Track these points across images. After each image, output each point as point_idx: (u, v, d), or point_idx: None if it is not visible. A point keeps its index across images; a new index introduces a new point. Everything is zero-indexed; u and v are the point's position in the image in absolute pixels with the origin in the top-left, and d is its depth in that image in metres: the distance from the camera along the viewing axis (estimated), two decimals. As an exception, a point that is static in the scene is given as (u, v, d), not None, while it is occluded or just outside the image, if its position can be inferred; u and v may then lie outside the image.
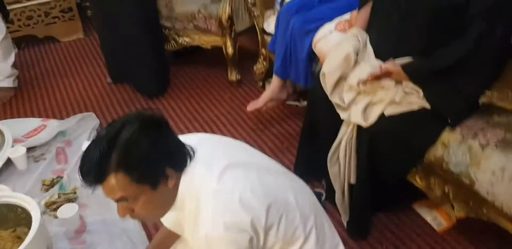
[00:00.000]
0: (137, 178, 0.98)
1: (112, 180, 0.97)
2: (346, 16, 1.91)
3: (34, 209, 1.48)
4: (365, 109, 1.50)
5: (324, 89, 1.61)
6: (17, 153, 2.03)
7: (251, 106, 2.24)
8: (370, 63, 1.55)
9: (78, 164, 1.01)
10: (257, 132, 2.29)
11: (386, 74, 1.48)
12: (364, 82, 1.50)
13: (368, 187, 1.58)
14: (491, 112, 1.49)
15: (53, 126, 2.26)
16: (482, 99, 1.51)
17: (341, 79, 1.59)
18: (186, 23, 2.60)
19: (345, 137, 1.57)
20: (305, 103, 2.32)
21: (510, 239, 1.49)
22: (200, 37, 2.64)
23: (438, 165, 1.50)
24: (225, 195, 1.02)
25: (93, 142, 1.01)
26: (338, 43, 1.68)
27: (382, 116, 1.47)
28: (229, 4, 2.43)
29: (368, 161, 1.54)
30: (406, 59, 1.49)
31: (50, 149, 2.16)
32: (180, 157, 1.04)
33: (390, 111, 1.47)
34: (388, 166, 1.57)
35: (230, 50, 2.58)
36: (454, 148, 1.44)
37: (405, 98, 1.47)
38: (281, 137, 2.23)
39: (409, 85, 1.48)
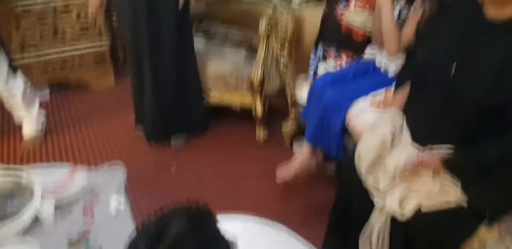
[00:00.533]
0: None
1: None
2: (381, 91, 1.94)
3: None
4: (402, 202, 1.46)
5: (358, 171, 1.60)
6: (46, 211, 1.91)
7: (281, 177, 2.24)
8: (407, 149, 1.54)
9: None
10: (283, 198, 2.27)
11: (422, 165, 1.47)
12: (403, 176, 1.49)
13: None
14: None
15: (81, 177, 2.24)
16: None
17: (375, 163, 1.57)
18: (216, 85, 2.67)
19: (377, 225, 1.54)
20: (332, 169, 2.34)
21: None
22: (231, 99, 2.69)
23: None
24: None
25: (138, 236, 0.99)
26: (374, 123, 1.69)
27: (418, 210, 1.44)
28: (261, 67, 2.48)
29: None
30: (444, 148, 1.47)
31: (77, 202, 2.04)
32: None
33: (427, 207, 1.43)
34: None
35: (259, 110, 2.62)
36: (492, 247, 1.40)
37: (442, 188, 1.45)
38: (309, 206, 2.20)
39: (447, 178, 1.46)
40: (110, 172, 2.28)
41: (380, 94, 1.93)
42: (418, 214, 1.43)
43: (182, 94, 2.61)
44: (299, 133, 2.58)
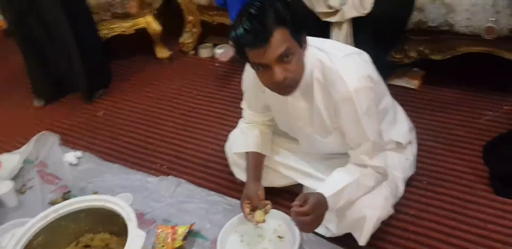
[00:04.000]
0: (293, 32, 1.15)
1: (278, 34, 1.12)
2: None
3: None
4: (359, 2, 1.87)
5: (308, 4, 1.96)
6: (4, 188, 1.82)
7: (223, 56, 2.53)
8: None
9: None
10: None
11: None
12: None
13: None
14: None
15: (11, 158, 2.04)
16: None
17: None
18: (103, 14, 2.59)
19: (341, 37, 1.94)
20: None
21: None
22: (120, 25, 2.66)
23: (418, 28, 2.02)
24: (353, 56, 1.29)
25: (247, 5, 1.14)
26: None
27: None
28: None
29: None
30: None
31: (29, 177, 1.97)
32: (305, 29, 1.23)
33: None
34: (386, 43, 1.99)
35: (156, 27, 2.65)
36: (429, 7, 1.96)
37: None
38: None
39: None
40: (38, 142, 2.15)
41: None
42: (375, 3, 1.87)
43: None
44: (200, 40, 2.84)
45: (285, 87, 1.23)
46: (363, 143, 1.28)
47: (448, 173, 1.72)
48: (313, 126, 1.39)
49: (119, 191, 1.80)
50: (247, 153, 1.54)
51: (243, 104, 1.59)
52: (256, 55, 1.15)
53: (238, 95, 2.31)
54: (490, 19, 1.86)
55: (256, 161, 1.53)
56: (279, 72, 1.16)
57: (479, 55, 2.04)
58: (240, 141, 1.58)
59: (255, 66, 1.20)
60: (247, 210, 1.45)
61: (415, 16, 2.01)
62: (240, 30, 1.12)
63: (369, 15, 1.90)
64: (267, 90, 1.28)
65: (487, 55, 2.02)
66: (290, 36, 1.15)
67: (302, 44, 1.20)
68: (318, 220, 1.24)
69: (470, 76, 2.23)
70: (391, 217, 1.44)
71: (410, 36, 2.10)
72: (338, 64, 1.24)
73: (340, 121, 1.29)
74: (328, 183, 1.29)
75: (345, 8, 1.91)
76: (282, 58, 1.15)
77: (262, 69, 1.18)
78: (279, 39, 1.12)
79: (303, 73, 1.25)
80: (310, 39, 1.28)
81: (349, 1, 1.91)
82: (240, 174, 1.64)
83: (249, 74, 1.43)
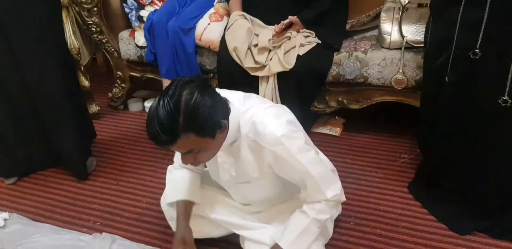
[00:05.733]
0: (202, 134, 1.19)
1: (183, 139, 1.17)
2: (211, 10, 2.44)
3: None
4: (284, 58, 2.08)
5: (238, 61, 2.14)
6: None
7: None
8: (267, 29, 2.18)
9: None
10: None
11: (290, 25, 2.14)
12: (275, 35, 2.11)
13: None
14: (354, 33, 2.34)
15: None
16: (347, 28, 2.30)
17: (247, 50, 2.13)
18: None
19: (268, 89, 2.13)
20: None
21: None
22: None
23: (336, 81, 2.23)
24: (275, 107, 1.38)
25: (158, 103, 1.15)
26: (232, 25, 2.20)
27: (298, 57, 2.09)
28: (73, 37, 2.51)
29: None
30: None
31: None
32: (227, 107, 1.28)
33: (302, 51, 2.11)
34: (308, 94, 2.23)
35: (86, 84, 2.65)
36: (346, 62, 2.19)
37: (307, 40, 2.14)
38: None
39: (306, 30, 2.17)
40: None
41: (212, 12, 2.43)
42: (298, 59, 2.09)
43: None
44: (130, 94, 2.94)
45: (199, 164, 1.35)
46: (308, 181, 1.35)
47: (372, 213, 1.85)
48: (237, 177, 1.45)
49: (51, 252, 1.74)
50: (177, 201, 1.56)
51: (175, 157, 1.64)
52: None
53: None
54: (399, 71, 2.09)
55: (186, 208, 1.55)
56: (186, 159, 1.28)
57: (392, 103, 2.26)
58: (170, 190, 1.60)
59: None
60: None
61: (334, 70, 2.21)
62: (150, 135, 1.18)
63: (292, 70, 2.08)
64: None
65: (399, 103, 2.24)
66: (198, 138, 1.19)
67: (215, 135, 1.23)
68: None
69: (385, 123, 2.45)
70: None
71: (330, 88, 2.30)
72: (262, 114, 1.33)
73: (282, 168, 1.36)
74: (284, 233, 1.37)
75: (271, 63, 2.09)
76: (190, 152, 1.25)
77: None
78: (184, 142, 1.18)
79: (217, 150, 1.32)
80: (239, 98, 1.36)
81: (274, 58, 2.10)
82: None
83: None
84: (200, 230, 1.59)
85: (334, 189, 1.39)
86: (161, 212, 1.73)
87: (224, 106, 1.27)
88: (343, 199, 1.44)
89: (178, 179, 1.60)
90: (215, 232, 1.65)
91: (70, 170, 2.27)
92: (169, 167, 1.66)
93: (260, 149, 1.34)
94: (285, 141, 1.29)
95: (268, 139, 1.30)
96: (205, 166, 1.63)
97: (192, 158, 1.27)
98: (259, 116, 1.32)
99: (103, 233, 1.83)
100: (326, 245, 1.53)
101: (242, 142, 1.36)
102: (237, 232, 1.58)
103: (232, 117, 1.30)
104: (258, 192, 1.50)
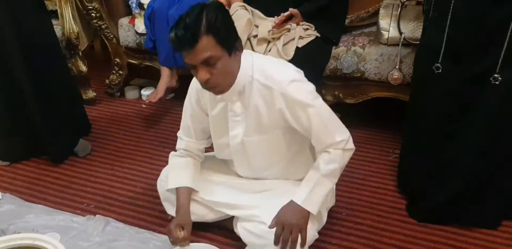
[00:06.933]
0: (221, 41, 1.27)
1: (203, 41, 1.25)
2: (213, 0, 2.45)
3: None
4: (282, 49, 2.08)
5: None
6: None
7: (153, 97, 2.47)
8: (267, 20, 2.18)
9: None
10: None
11: (289, 17, 2.13)
12: (275, 26, 2.11)
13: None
14: (353, 29, 2.37)
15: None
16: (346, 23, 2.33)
17: (247, 41, 2.15)
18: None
19: None
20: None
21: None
22: None
23: (334, 74, 2.26)
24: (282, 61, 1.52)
25: (185, 13, 1.27)
26: (232, 16, 2.09)
27: (296, 49, 2.09)
28: (73, 21, 2.51)
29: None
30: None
31: None
32: (239, 38, 1.38)
33: (301, 44, 2.11)
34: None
35: (84, 69, 2.64)
36: (344, 56, 2.21)
37: (306, 32, 2.14)
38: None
39: (305, 23, 2.18)
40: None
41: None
42: (297, 51, 2.09)
43: None
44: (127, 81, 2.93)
45: (211, 88, 1.37)
46: (317, 125, 1.40)
47: (364, 205, 1.88)
48: (246, 130, 1.47)
49: (44, 232, 1.73)
50: (178, 188, 1.59)
51: (180, 133, 1.66)
52: (186, 56, 1.30)
53: (166, 136, 2.42)
54: (395, 67, 2.12)
55: (188, 195, 1.58)
56: (202, 74, 1.31)
57: (387, 99, 2.29)
58: (172, 177, 1.62)
59: (189, 65, 1.33)
60: (180, 233, 1.48)
61: (331, 64, 2.24)
62: (172, 35, 1.27)
63: (290, 61, 2.07)
64: (207, 103, 1.49)
65: (394, 99, 2.27)
66: (217, 44, 1.27)
67: (232, 52, 1.32)
68: (298, 226, 1.38)
69: (379, 118, 2.48)
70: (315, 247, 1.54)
71: (327, 81, 2.32)
72: (271, 63, 1.45)
73: (293, 111, 1.40)
74: (298, 190, 1.44)
75: (270, 54, 2.09)
76: (207, 62, 1.29)
77: (193, 69, 1.33)
78: (204, 45, 1.26)
79: (232, 79, 1.37)
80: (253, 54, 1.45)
81: (273, 49, 2.11)
82: (172, 210, 1.67)
83: (191, 93, 1.55)
84: (195, 212, 1.61)
85: (343, 134, 1.45)
86: (156, 197, 1.74)
87: (237, 34, 1.37)
88: (352, 146, 1.48)
89: (181, 165, 1.63)
90: (209, 215, 1.67)
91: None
92: (172, 153, 1.69)
93: (271, 94, 1.39)
94: (296, 84, 1.39)
95: (279, 81, 1.38)
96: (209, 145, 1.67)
97: (208, 73, 1.30)
98: (269, 63, 1.44)
99: (97, 216, 1.84)
100: (319, 233, 1.56)
101: (254, 88, 1.41)
102: (230, 212, 1.60)
103: (244, 59, 1.40)
104: (263, 153, 1.53)
